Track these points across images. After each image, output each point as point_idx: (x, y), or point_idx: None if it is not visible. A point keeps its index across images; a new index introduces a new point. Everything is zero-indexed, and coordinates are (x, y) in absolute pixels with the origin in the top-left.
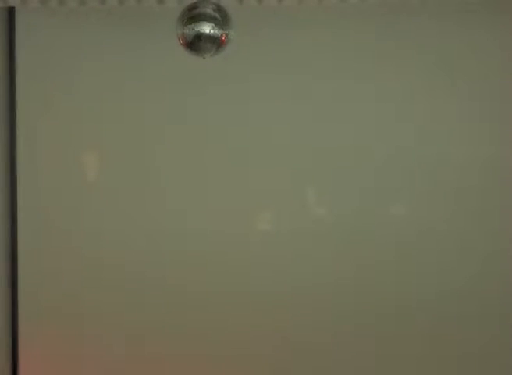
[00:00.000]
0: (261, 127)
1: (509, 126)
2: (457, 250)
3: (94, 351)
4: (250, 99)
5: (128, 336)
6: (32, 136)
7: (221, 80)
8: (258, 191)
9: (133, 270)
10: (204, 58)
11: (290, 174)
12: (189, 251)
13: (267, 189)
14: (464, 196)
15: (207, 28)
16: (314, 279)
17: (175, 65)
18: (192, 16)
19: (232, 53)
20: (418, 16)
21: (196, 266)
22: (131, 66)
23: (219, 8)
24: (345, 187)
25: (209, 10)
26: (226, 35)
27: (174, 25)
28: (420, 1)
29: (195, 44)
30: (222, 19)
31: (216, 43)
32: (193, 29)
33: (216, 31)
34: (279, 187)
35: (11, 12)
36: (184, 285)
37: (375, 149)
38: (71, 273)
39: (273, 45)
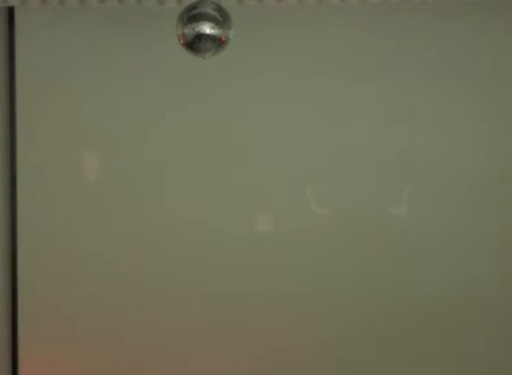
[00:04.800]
0: (261, 127)
1: (510, 126)
2: (458, 250)
3: (94, 351)
4: (250, 99)
5: (128, 336)
6: (32, 136)
7: (221, 80)
8: (259, 192)
9: (133, 270)
10: (204, 58)
11: (291, 174)
12: (189, 251)
13: (267, 189)
14: (465, 196)
15: (207, 28)
16: (314, 279)
17: (175, 65)
18: (192, 16)
19: (232, 53)
20: (418, 16)
21: (196, 266)
22: (131, 65)
23: (219, 8)
24: (345, 187)
25: (209, 10)
26: (226, 35)
27: (174, 25)
28: (420, 1)
29: (195, 44)
30: (222, 19)
31: (216, 43)
32: (193, 29)
33: (216, 31)
34: (279, 188)
35: (11, 12)
36: (184, 285)
37: (375, 149)
38: (71, 273)
39: (273, 45)
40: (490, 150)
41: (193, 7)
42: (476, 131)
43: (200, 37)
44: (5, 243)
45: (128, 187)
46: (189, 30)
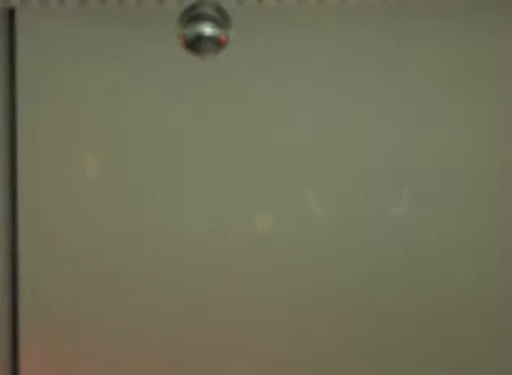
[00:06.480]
0: (260, 128)
1: (510, 127)
2: (460, 251)
3: (94, 351)
4: (250, 99)
5: (128, 336)
6: (32, 136)
7: (220, 81)
8: (258, 192)
9: (134, 271)
10: (204, 58)
11: (290, 175)
12: (189, 253)
13: (267, 190)
14: (466, 196)
15: (207, 28)
16: (314, 280)
17: (175, 65)
18: (192, 16)
19: (232, 53)
20: (419, 17)
21: (196, 267)
22: (131, 65)
23: (219, 9)
24: (346, 187)
25: (209, 10)
26: (226, 35)
27: (174, 25)
28: (421, 2)
29: (195, 44)
30: (222, 19)
31: (216, 43)
32: (193, 29)
33: (216, 31)
34: (279, 188)
35: (11, 12)
36: (184, 286)
37: (376, 150)
38: (71, 273)
39: (273, 45)
40: (492, 151)
41: (193, 7)
42: (477, 132)
43: (200, 37)
44: (5, 243)
45: (128, 187)
46: (189, 31)
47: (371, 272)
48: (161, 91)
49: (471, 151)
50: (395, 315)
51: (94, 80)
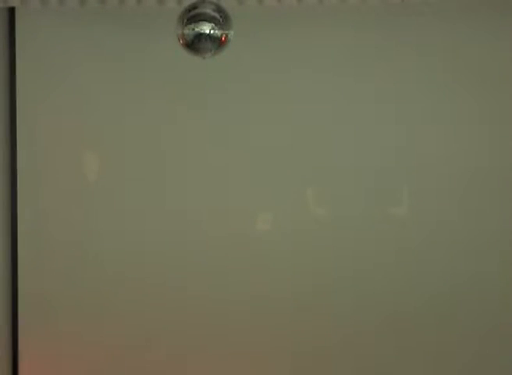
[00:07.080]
0: (261, 128)
1: (510, 127)
2: (459, 251)
3: (94, 351)
4: (250, 99)
5: (129, 336)
6: (32, 136)
7: (221, 81)
8: (258, 192)
9: (134, 270)
10: (204, 58)
11: (291, 174)
12: (190, 252)
13: (267, 189)
14: (467, 197)
15: (207, 28)
16: (314, 280)
17: (175, 65)
18: (192, 16)
19: (232, 53)
20: (419, 17)
21: (197, 267)
22: (131, 65)
23: (219, 9)
24: (346, 187)
25: (209, 10)
26: (226, 35)
27: (174, 25)
28: (421, 2)
29: (195, 44)
30: (222, 19)
31: (216, 43)
32: (193, 29)
33: (216, 31)
34: (279, 188)
35: (11, 12)
36: (185, 285)
37: (375, 150)
38: (71, 272)
39: (273, 45)
40: (492, 151)
41: (193, 7)
42: (477, 132)
43: (200, 37)
44: (6, 243)
45: (129, 188)
46: (189, 30)
47: (372, 270)
48: (161, 91)
49: (470, 150)
50: (394, 313)
51: (93, 79)
